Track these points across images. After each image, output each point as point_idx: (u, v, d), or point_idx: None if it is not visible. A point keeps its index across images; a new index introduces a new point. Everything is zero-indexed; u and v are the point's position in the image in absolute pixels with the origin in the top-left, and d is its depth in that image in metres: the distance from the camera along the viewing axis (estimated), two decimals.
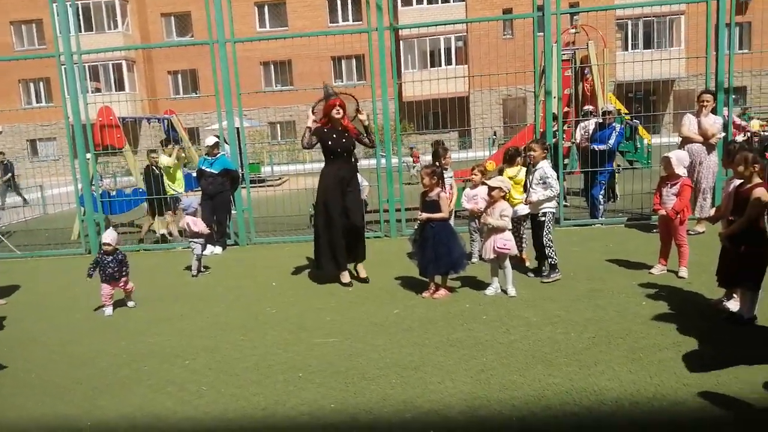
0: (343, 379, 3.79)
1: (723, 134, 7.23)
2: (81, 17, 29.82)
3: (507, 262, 5.37)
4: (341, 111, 5.94)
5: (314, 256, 6.19)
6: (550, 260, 5.68)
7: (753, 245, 4.11)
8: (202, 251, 7.08)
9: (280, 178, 19.69)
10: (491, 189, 5.38)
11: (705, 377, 3.44)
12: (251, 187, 9.00)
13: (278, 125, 31.96)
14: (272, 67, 31.71)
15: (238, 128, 8.95)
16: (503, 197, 5.39)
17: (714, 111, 7.27)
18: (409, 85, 25.24)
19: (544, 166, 5.64)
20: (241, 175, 8.72)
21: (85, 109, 8.54)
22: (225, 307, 5.62)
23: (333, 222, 5.92)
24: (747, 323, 4.20)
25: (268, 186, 17.04)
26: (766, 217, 4.16)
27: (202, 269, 7.10)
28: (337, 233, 5.93)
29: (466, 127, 28.46)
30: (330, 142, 5.92)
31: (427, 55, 30.72)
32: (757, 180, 4.23)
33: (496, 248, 5.27)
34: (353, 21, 31.95)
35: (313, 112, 6.09)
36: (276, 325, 4.96)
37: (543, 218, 5.69)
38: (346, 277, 6.06)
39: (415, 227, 5.74)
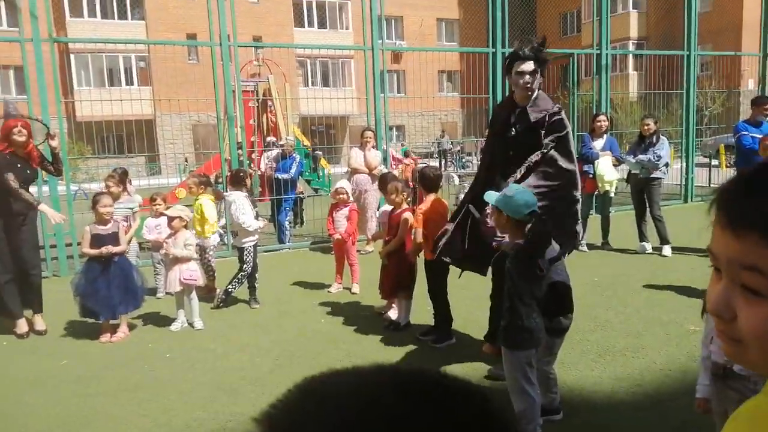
0: None
1: (383, 166, 8.39)
2: None
3: (194, 294, 5.23)
4: (25, 133, 4.96)
5: None
6: (256, 285, 5.79)
7: (404, 260, 4.84)
8: None
9: None
10: (171, 219, 5.19)
11: None
12: None
13: None
14: None
15: None
16: (185, 226, 5.25)
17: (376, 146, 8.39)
18: (86, 104, 22.73)
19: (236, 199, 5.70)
20: None
21: None
22: None
23: (5, 266, 4.97)
24: (405, 328, 4.90)
25: None
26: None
27: None
28: (7, 276, 4.99)
29: (155, 153, 26.91)
30: (14, 173, 4.85)
31: (104, 73, 28.15)
32: (405, 206, 5.01)
33: (182, 279, 5.08)
34: (8, 27, 27.37)
35: None
36: None
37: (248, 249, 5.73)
38: (21, 326, 5.07)
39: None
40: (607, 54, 10.30)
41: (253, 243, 5.78)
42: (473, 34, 28.53)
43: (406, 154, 12.30)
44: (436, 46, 32.39)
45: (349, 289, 6.13)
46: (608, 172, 7.41)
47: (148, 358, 4.49)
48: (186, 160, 26.04)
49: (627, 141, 12.55)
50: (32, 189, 5.42)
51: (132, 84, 28.83)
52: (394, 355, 4.36)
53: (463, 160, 22.16)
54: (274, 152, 9.27)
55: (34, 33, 7.01)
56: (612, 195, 7.76)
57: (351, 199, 6.15)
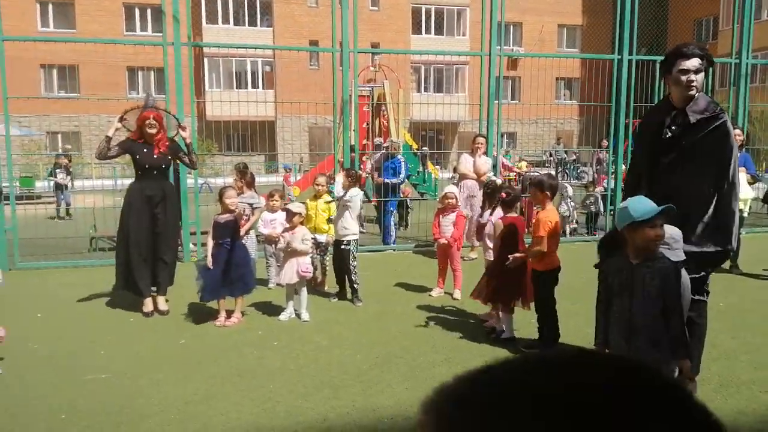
0: (115, 420, 3.47)
1: (492, 173, 8.26)
2: None
3: (303, 287, 5.45)
4: (156, 125, 5.47)
5: (116, 274, 5.61)
6: (356, 285, 5.89)
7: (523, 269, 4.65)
8: None
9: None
10: (292, 214, 5.44)
11: None
12: (24, 204, 7.88)
13: (60, 135, 28.61)
14: (55, 71, 28.40)
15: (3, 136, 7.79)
16: (301, 222, 5.50)
17: (486, 152, 8.29)
18: (216, 104, 24.46)
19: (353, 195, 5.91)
20: (1, 189, 7.58)
21: None
22: None
23: (136, 244, 5.43)
24: (509, 341, 4.76)
25: (46, 203, 15.08)
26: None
27: None
28: (139, 257, 5.45)
29: (273, 152, 28.41)
30: (138, 156, 5.45)
31: (233, 76, 30.16)
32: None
33: (300, 272, 5.32)
34: (153, 32, 30.12)
35: (121, 121, 5.55)
36: (39, 363, 4.37)
37: (348, 246, 5.89)
38: (147, 305, 5.54)
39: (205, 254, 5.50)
40: (747, 63, 9.45)
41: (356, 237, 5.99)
42: (596, 41, 27.33)
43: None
44: (556, 52, 31.38)
45: (451, 295, 6.10)
46: (742, 189, 6.79)
47: (258, 345, 4.75)
48: (301, 160, 27.20)
49: (764, 158, 11.40)
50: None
51: (257, 87, 30.62)
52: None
53: (579, 170, 21.26)
54: (378, 154, 9.43)
55: (176, 37, 7.66)
56: (745, 215, 7.10)
57: (459, 204, 6.11)
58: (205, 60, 29.38)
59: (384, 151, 9.19)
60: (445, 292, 6.18)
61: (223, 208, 5.39)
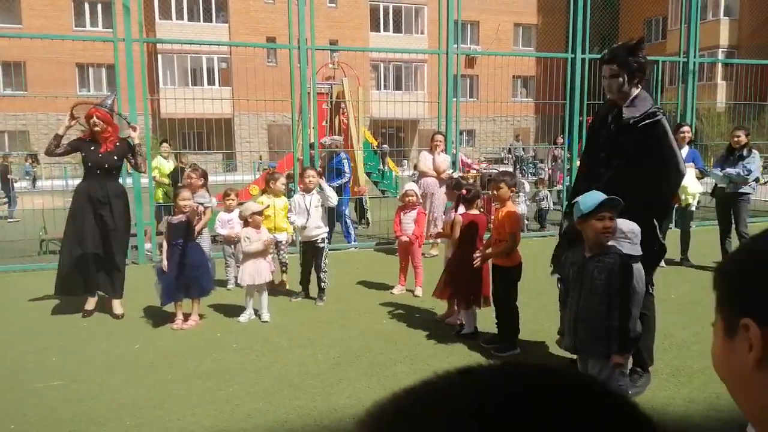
0: (67, 428, 3.35)
1: (452, 170, 8.32)
2: None
3: (265, 288, 5.37)
4: (101, 124, 5.32)
5: (56, 277, 5.44)
6: (323, 284, 5.85)
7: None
8: None
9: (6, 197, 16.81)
10: (254, 214, 5.36)
11: None
12: None
13: (6, 134, 27.45)
14: (0, 68, 27.23)
15: None
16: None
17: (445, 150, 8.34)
18: (170, 102, 23.90)
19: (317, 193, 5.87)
20: None
21: None
22: None
23: (81, 244, 5.31)
24: (471, 336, 4.80)
25: None
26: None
27: None
28: (81, 258, 5.33)
29: (232, 150, 27.95)
30: (84, 154, 5.36)
31: (188, 73, 29.53)
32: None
33: (268, 272, 5.27)
34: (103, 28, 29.21)
35: (73, 118, 5.40)
36: None
37: (322, 244, 5.84)
38: (90, 303, 5.45)
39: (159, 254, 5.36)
40: (694, 62, 9.79)
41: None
42: (551, 40, 27.90)
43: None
44: (513, 51, 31.88)
45: (412, 292, 6.12)
46: (691, 184, 7.04)
47: (217, 347, 4.66)
48: (260, 158, 26.85)
49: (712, 153, 11.85)
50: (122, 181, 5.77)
51: (213, 84, 30.07)
52: (455, 361, 4.30)
53: (536, 167, 21.67)
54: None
55: (127, 33, 7.44)
56: (693, 209, 7.36)
57: (419, 201, 6.14)
58: (159, 56, 28.67)
59: (328, 148, 8.94)
60: (406, 290, 6.19)
61: (176, 209, 5.26)
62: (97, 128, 5.33)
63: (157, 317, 5.35)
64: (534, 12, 34.64)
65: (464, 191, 5.06)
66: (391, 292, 6.16)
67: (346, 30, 31.25)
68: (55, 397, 3.76)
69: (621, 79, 3.63)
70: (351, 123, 11.54)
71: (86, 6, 29.48)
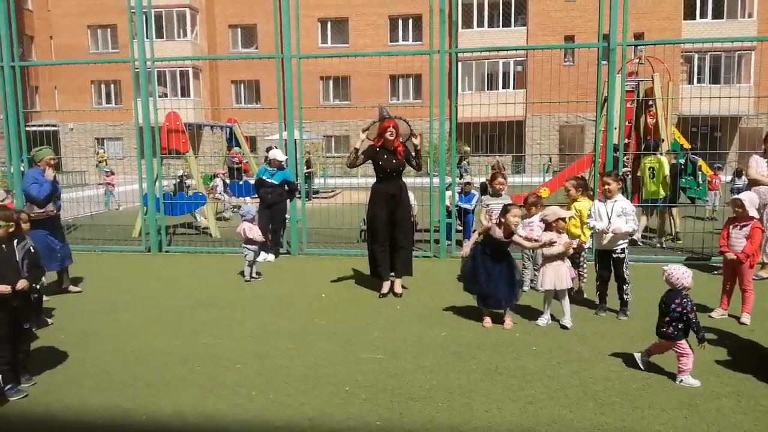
0: (389, 398, 3.81)
1: None
2: (153, 24, 31.22)
3: (566, 294, 5.28)
4: (394, 133, 6.20)
5: (369, 262, 6.62)
6: (626, 296, 5.54)
7: None
8: (254, 258, 7.26)
9: (333, 191, 19.96)
10: (557, 219, 5.32)
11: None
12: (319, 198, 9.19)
13: (333, 138, 32.45)
14: (331, 82, 32.31)
15: (296, 140, 9.15)
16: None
17: None
18: (466, 106, 25.22)
19: (622, 200, 5.55)
20: (297, 186, 8.92)
21: (154, 113, 8.94)
22: (276, 315, 5.73)
23: (380, 235, 6.27)
24: None
25: (321, 198, 17.33)
26: None
27: (255, 275, 7.27)
28: (382, 246, 6.29)
29: (521, 153, 28.19)
30: (381, 162, 6.24)
31: (484, 78, 30.67)
32: None
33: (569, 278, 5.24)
34: (413, 41, 32.25)
35: (364, 131, 6.36)
36: (324, 337, 5.02)
37: (622, 254, 5.53)
38: (384, 288, 6.36)
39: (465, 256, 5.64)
40: None
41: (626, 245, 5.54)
42: None
43: None
44: None
45: (737, 318, 5.30)
46: None
47: (516, 347, 4.74)
48: (550, 160, 26.47)
49: None
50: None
51: (508, 87, 30.66)
52: None
53: None
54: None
55: (441, 46, 8.08)
56: None
57: (755, 214, 5.26)
58: (459, 64, 30.46)
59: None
60: (729, 315, 5.40)
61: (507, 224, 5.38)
62: (392, 137, 6.18)
63: (459, 310, 5.71)
64: None
65: None
66: (710, 315, 5.43)
67: (655, 21, 28.58)
68: (377, 369, 4.31)
69: None
70: (660, 121, 10.55)
71: (399, 22, 32.95)
